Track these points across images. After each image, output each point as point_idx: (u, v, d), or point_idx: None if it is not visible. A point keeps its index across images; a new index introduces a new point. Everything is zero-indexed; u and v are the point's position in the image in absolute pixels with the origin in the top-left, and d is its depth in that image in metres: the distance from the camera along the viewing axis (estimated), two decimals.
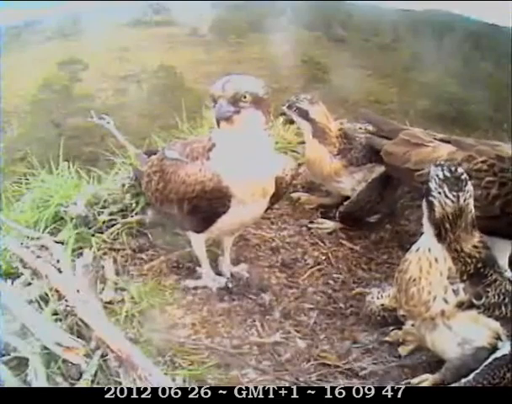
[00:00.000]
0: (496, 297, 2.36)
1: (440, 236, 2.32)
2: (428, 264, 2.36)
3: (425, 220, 2.38)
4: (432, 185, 2.29)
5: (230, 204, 2.78)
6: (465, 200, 2.27)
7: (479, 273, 2.36)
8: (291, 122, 3.91)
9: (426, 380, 2.48)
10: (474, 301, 2.34)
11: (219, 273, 3.14)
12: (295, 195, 3.88)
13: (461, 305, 2.35)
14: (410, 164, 3.11)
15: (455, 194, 2.26)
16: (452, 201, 2.26)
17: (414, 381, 2.50)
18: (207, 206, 2.78)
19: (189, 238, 3.07)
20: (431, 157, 3.01)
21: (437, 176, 2.29)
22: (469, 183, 2.30)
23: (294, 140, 4.32)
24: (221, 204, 2.78)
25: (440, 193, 2.27)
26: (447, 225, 2.29)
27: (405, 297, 2.43)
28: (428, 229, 2.37)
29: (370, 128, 3.64)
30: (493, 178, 2.83)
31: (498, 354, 2.33)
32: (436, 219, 2.30)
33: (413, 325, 2.74)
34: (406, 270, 2.43)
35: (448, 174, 2.28)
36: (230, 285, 3.06)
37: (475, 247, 2.36)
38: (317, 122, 3.60)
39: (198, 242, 3.04)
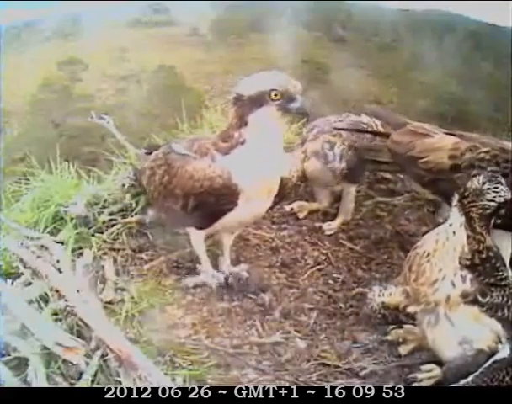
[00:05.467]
0: (500, 298, 2.37)
1: (463, 208, 2.39)
2: (445, 237, 2.40)
3: (455, 195, 2.46)
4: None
5: (237, 201, 2.78)
6: (495, 192, 2.36)
7: (490, 264, 2.38)
8: (292, 122, 3.90)
9: (433, 369, 2.51)
10: (479, 298, 2.36)
11: None
12: (287, 207, 3.81)
13: (465, 296, 2.36)
14: (414, 152, 3.13)
15: (489, 183, 2.37)
16: (483, 183, 2.37)
17: (426, 368, 2.54)
18: (214, 203, 2.77)
19: (188, 237, 3.07)
20: (436, 146, 3.06)
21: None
22: (504, 186, 2.37)
23: (295, 140, 4.31)
24: (229, 201, 2.77)
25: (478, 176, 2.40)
26: (472, 199, 2.37)
27: (416, 273, 2.44)
28: (454, 202, 2.44)
29: (377, 121, 3.62)
30: (495, 168, 2.81)
31: (497, 357, 2.33)
32: (463, 192, 2.40)
33: (413, 323, 2.74)
34: (421, 245, 2.47)
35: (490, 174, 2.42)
36: (230, 281, 3.05)
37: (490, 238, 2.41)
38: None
39: (197, 239, 3.04)
